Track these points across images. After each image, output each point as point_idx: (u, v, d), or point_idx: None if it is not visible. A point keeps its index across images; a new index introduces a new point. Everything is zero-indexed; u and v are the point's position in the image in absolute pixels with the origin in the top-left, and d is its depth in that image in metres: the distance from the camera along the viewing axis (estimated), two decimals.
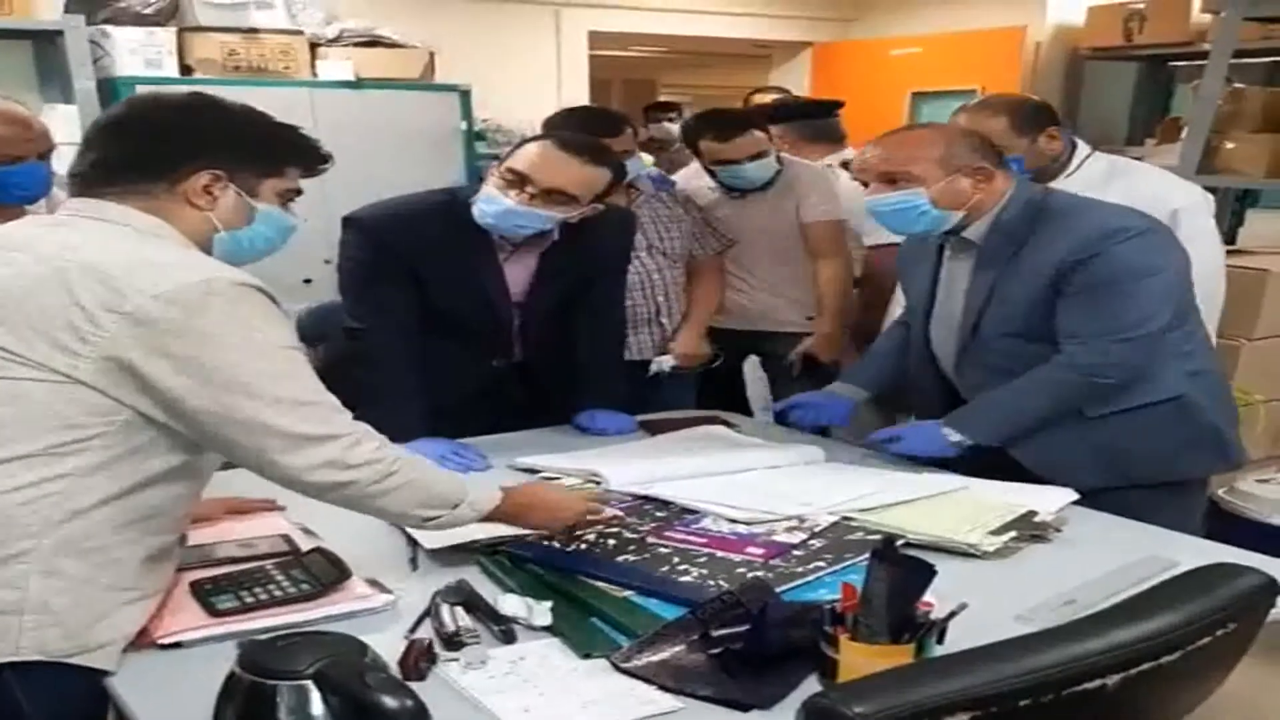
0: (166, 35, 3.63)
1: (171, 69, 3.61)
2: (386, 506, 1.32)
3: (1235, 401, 2.10)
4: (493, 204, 1.93)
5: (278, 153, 1.37)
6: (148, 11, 3.65)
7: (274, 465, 1.23)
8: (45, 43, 3.53)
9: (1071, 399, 1.80)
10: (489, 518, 1.42)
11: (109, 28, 3.57)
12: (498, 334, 2.10)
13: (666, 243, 2.63)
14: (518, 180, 1.90)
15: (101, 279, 1.16)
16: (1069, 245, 1.76)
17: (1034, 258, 1.80)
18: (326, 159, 1.41)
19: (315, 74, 3.89)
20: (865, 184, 1.88)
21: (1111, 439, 1.81)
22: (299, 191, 1.41)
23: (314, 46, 3.91)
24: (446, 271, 2.00)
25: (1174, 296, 1.80)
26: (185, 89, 1.45)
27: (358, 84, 3.92)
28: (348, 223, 2.02)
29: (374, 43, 4.03)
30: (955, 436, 1.84)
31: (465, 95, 4.12)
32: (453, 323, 2.04)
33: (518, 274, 2.07)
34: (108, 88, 3.49)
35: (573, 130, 2.30)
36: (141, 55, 3.54)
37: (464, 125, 4.12)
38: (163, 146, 1.30)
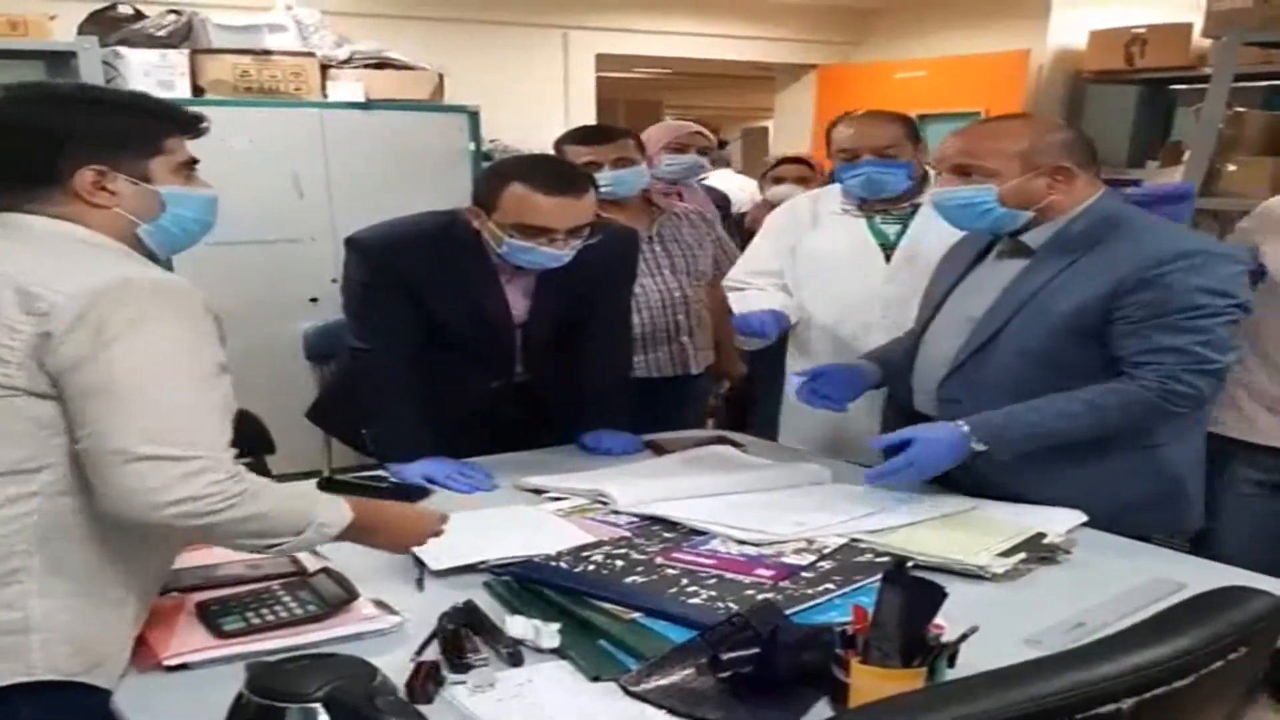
0: (179, 57, 3.67)
1: (184, 90, 3.65)
2: (214, 536, 1.23)
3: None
4: (536, 255, 1.93)
5: (145, 129, 1.27)
6: (161, 34, 3.69)
7: (104, 476, 1.11)
8: (59, 64, 3.55)
9: (1129, 423, 1.68)
10: (340, 537, 1.31)
11: (122, 49, 3.60)
12: (500, 354, 2.11)
13: (689, 261, 2.63)
14: (541, 232, 1.91)
15: (18, 288, 1.13)
16: (1136, 261, 1.66)
17: (1091, 270, 1.69)
18: (200, 118, 1.31)
19: (326, 95, 3.94)
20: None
21: (1067, 486, 1.70)
22: (195, 160, 1.32)
23: (325, 68, 3.95)
24: (447, 292, 2.01)
25: (1241, 329, 1.71)
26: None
27: (368, 105, 3.96)
28: (349, 244, 2.04)
29: (384, 64, 4.08)
30: (979, 447, 1.68)
31: (474, 116, 4.16)
32: (455, 343, 2.05)
33: (519, 294, 2.08)
34: None
35: (582, 143, 2.49)
36: (155, 77, 3.58)
37: (472, 146, 4.15)
38: (27, 152, 1.22)
